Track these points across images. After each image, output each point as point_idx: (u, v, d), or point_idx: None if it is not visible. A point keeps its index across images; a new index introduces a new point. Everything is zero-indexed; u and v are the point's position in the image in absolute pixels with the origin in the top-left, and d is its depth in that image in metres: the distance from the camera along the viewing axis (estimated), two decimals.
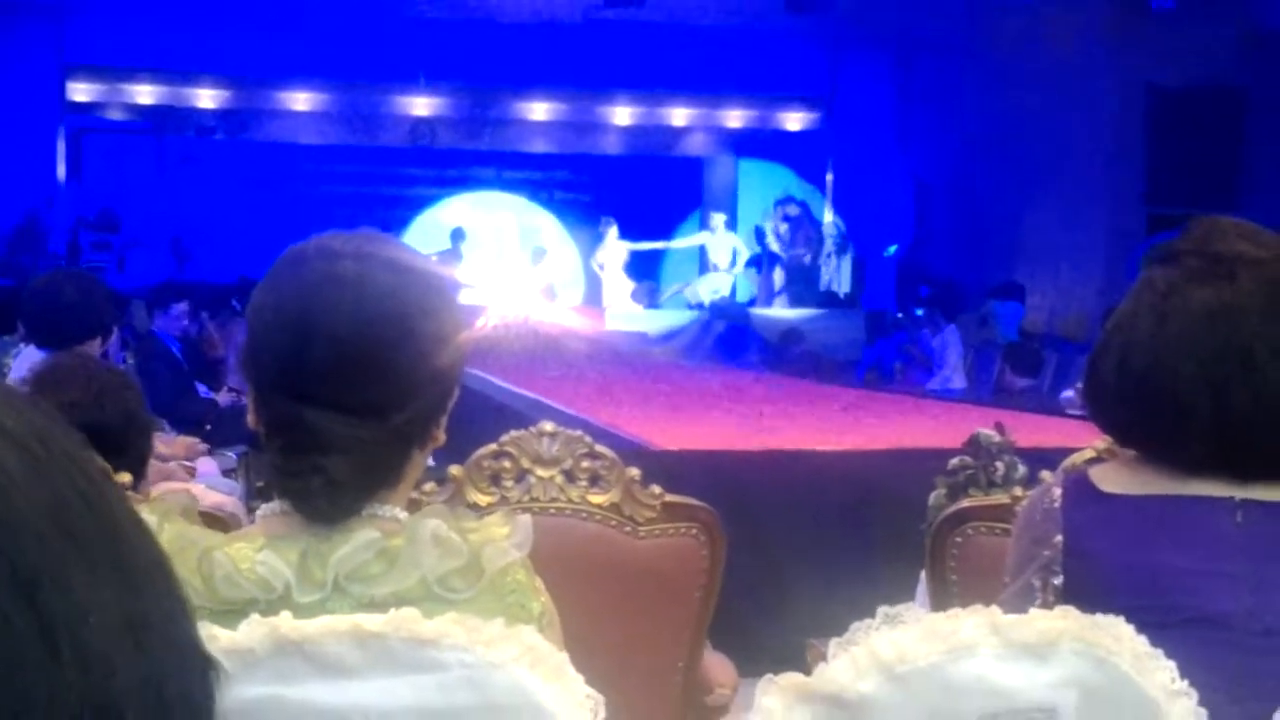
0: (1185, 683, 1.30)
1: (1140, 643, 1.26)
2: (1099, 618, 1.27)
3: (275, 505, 1.42)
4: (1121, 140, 13.21)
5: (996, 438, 3.10)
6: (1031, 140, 13.86)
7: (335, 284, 1.40)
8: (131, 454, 2.44)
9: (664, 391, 7.84)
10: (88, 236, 15.16)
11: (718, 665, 2.53)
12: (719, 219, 16.53)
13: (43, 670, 0.58)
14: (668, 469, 4.39)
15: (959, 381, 11.10)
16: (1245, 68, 12.86)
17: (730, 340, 13.75)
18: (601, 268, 16.22)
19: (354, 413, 1.38)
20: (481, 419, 5.35)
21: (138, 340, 9.17)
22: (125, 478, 2.24)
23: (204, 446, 5.69)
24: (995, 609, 1.27)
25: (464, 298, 14.97)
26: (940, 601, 2.47)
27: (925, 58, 16.33)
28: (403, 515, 1.43)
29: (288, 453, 1.39)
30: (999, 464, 3.07)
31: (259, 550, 1.36)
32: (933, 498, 3.06)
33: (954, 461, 3.07)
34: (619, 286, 16.09)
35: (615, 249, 16.22)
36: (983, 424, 3.18)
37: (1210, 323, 1.70)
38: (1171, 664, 1.27)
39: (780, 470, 4.92)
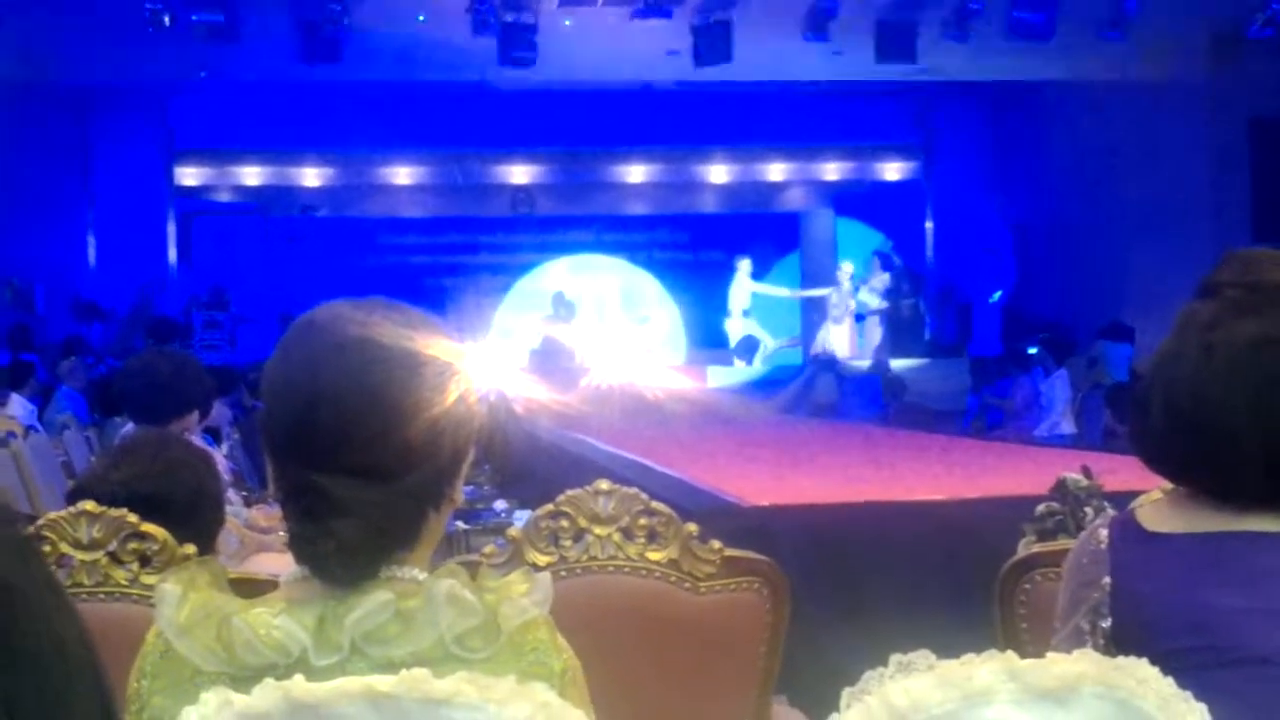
0: None
1: (1166, 685, 1.21)
2: (1121, 660, 1.22)
3: (298, 570, 1.44)
4: (1224, 173, 12.94)
5: (1083, 482, 3.04)
6: (1131, 178, 13.63)
7: (341, 350, 1.42)
8: (198, 526, 2.48)
9: (762, 448, 7.78)
10: (200, 316, 15.55)
11: None
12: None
13: None
14: (760, 524, 4.37)
15: (1067, 427, 10.90)
16: None
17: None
18: (747, 313, 16.22)
19: (363, 476, 1.40)
20: (589, 481, 5.34)
21: (244, 415, 9.38)
22: (190, 549, 2.27)
23: None
24: (1011, 654, 1.24)
25: (567, 361, 15.09)
26: (1014, 650, 2.40)
27: (1019, 100, 16.19)
28: (421, 576, 1.43)
29: (302, 518, 1.41)
30: (1088, 509, 3.01)
31: (277, 615, 1.38)
32: (1022, 545, 3.00)
33: (1041, 508, 3.02)
34: (737, 329, 16.05)
35: (741, 289, 16.17)
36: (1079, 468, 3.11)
37: (1256, 353, 1.67)
38: (1202, 706, 1.22)
39: (872, 520, 4.85)
